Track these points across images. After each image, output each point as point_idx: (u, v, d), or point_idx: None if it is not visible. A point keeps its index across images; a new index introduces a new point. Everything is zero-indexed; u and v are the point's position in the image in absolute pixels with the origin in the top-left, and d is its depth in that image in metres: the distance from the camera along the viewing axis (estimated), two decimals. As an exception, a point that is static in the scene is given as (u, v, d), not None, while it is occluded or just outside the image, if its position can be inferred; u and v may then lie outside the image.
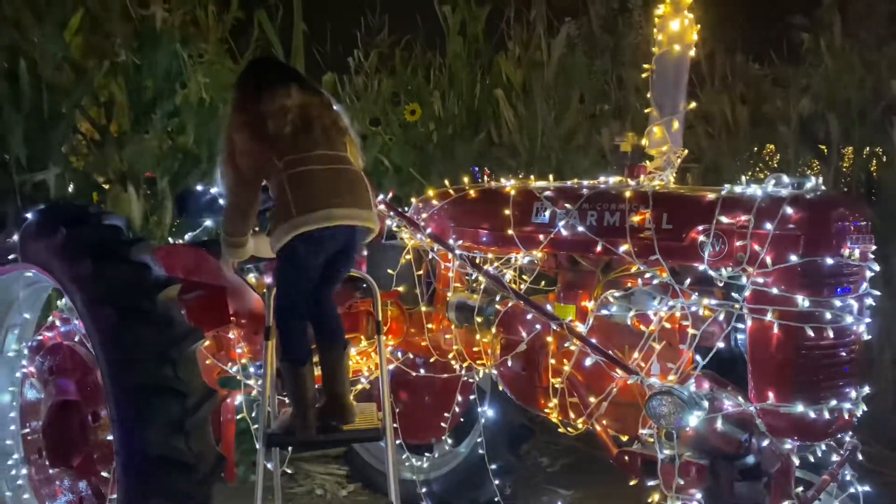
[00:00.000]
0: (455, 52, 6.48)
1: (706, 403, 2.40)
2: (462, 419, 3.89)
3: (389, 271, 3.45)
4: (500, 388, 3.31)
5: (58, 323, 3.11)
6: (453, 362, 3.44)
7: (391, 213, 3.38)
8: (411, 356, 3.68)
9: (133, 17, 4.75)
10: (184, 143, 4.79)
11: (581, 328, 2.80)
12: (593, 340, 2.72)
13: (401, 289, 3.51)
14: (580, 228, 2.78)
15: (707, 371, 2.55)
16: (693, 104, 3.15)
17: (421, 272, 3.45)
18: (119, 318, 2.54)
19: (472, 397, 3.70)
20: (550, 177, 3.30)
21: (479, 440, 3.81)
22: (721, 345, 2.54)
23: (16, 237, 2.93)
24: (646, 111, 3.14)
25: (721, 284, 2.52)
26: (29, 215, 2.91)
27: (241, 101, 2.88)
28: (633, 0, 8.14)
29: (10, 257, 2.97)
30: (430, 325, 3.48)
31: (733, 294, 2.49)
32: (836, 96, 6.62)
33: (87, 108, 4.79)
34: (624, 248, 2.67)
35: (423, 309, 3.46)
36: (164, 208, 4.59)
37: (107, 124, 4.77)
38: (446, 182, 3.48)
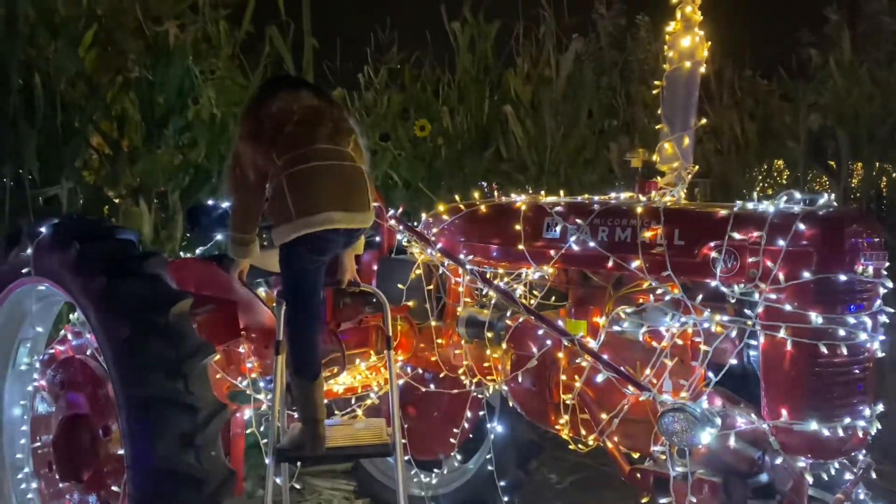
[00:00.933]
0: (464, 68, 6.53)
1: (719, 420, 2.39)
2: (471, 435, 3.88)
3: (399, 286, 3.45)
4: (511, 404, 3.29)
5: (70, 336, 3.12)
6: (463, 378, 3.43)
7: (401, 228, 3.38)
8: (420, 371, 3.67)
9: (146, 34, 4.80)
10: (195, 158, 4.83)
11: (592, 344, 2.79)
12: (605, 356, 2.70)
13: (410, 304, 3.51)
14: (591, 244, 2.78)
15: (719, 388, 2.54)
16: (704, 120, 3.15)
17: (431, 287, 3.45)
18: (131, 332, 2.55)
19: (481, 413, 3.68)
20: (561, 192, 3.31)
21: (488, 456, 3.78)
22: (733, 361, 2.52)
23: (29, 251, 2.94)
24: (656, 127, 3.14)
25: (733, 301, 2.51)
26: (43, 229, 2.92)
27: (246, 111, 2.89)
28: (640, 17, 8.20)
29: (24, 271, 2.98)
30: (439, 341, 3.47)
31: (746, 310, 2.48)
32: (845, 112, 6.63)
33: (100, 123, 4.84)
34: (636, 263, 2.66)
35: (433, 324, 3.44)
36: (175, 222, 4.61)
37: (119, 139, 4.82)
38: (457, 197, 3.48)
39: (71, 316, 3.27)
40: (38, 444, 3.21)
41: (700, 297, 2.56)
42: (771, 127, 7.87)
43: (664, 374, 2.62)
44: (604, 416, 2.78)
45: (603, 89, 7.16)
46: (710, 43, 3.05)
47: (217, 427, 2.59)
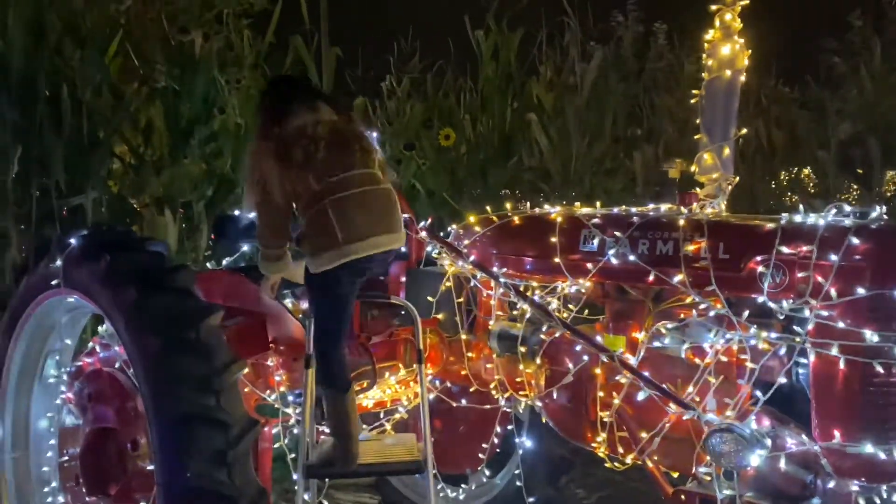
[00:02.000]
0: (487, 76, 6.47)
1: (769, 442, 2.30)
2: (499, 449, 3.80)
3: (429, 298, 3.39)
4: (544, 420, 3.22)
5: (98, 349, 3.09)
6: (494, 392, 3.36)
7: (432, 240, 3.32)
8: (449, 385, 3.60)
9: (171, 44, 4.79)
10: (220, 168, 4.80)
11: (632, 360, 2.71)
12: (646, 373, 2.62)
13: (440, 316, 3.45)
14: (631, 257, 2.71)
15: (767, 407, 2.45)
16: (744, 130, 3.06)
17: (461, 299, 3.38)
18: (162, 346, 2.50)
19: (509, 427, 3.61)
20: (598, 203, 3.23)
21: (516, 471, 3.71)
22: (783, 380, 2.43)
23: (59, 262, 2.91)
24: (695, 137, 3.06)
25: (782, 317, 2.42)
26: (72, 240, 2.89)
27: (265, 126, 2.78)
28: (657, 24, 8.12)
29: (53, 283, 2.95)
30: (469, 354, 3.40)
31: (795, 327, 2.39)
32: (877, 119, 6.49)
33: (125, 132, 4.83)
34: (678, 278, 2.58)
35: (463, 337, 3.39)
36: (200, 233, 4.58)
37: (144, 149, 4.81)
38: (488, 208, 3.42)
39: (99, 328, 3.23)
40: (66, 457, 3.17)
41: (746, 312, 2.48)
42: (797, 135, 7.76)
43: (708, 392, 2.53)
44: (643, 434, 2.70)
45: (626, 97, 7.08)
46: (749, 51, 2.97)
47: (248, 444, 2.53)
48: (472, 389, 3.44)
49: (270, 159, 2.71)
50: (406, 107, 6.84)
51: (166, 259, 2.80)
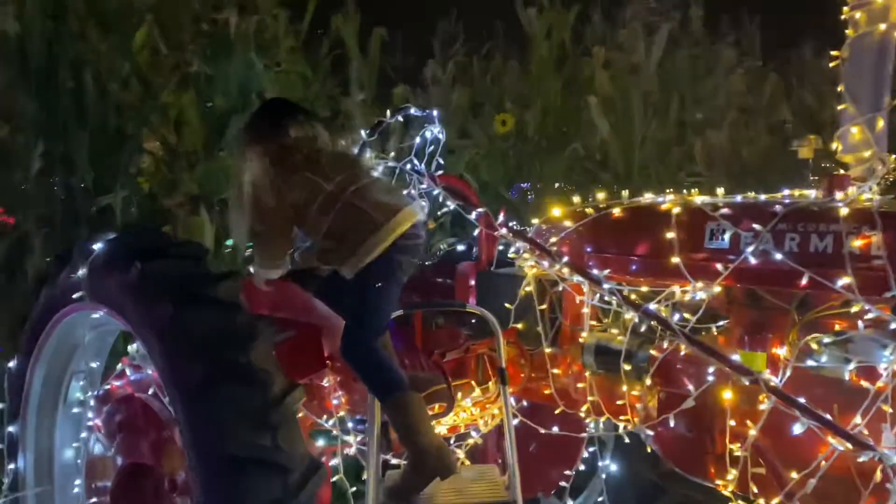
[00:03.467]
0: (541, 56, 5.95)
1: None
2: (577, 470, 3.36)
3: (507, 305, 2.91)
4: (649, 450, 2.73)
5: (128, 371, 2.67)
6: (585, 416, 2.88)
7: (513, 238, 2.83)
8: (525, 404, 3.14)
9: (204, 25, 4.37)
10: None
11: (774, 382, 2.20)
12: (801, 400, 2.11)
13: (519, 326, 2.98)
14: (777, 256, 2.19)
15: (971, 447, 1.93)
16: (902, 98, 2.52)
17: (544, 306, 2.90)
18: (206, 372, 2.07)
19: (591, 448, 3.16)
20: (719, 191, 2.72)
21: (599, 499, 3.25)
22: None
23: (82, 272, 2.49)
24: (839, 108, 2.53)
25: None
26: (98, 246, 2.47)
27: (258, 137, 2.64)
28: (693, 11, 7.61)
29: (76, 296, 2.53)
30: (555, 370, 2.93)
31: None
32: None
33: (156, 125, 4.43)
34: (843, 281, 2.06)
35: (548, 350, 2.91)
36: (240, 233, 4.16)
37: (177, 142, 4.40)
38: (576, 199, 2.93)
39: (129, 347, 2.81)
40: (94, 496, 2.77)
41: (940, 325, 1.96)
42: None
43: (883, 424, 2.02)
44: (790, 472, 2.20)
45: (693, 76, 6.54)
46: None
47: (313, 492, 2.08)
48: (557, 411, 2.96)
49: (273, 166, 2.54)
50: (451, 94, 6.35)
51: (207, 266, 2.35)
